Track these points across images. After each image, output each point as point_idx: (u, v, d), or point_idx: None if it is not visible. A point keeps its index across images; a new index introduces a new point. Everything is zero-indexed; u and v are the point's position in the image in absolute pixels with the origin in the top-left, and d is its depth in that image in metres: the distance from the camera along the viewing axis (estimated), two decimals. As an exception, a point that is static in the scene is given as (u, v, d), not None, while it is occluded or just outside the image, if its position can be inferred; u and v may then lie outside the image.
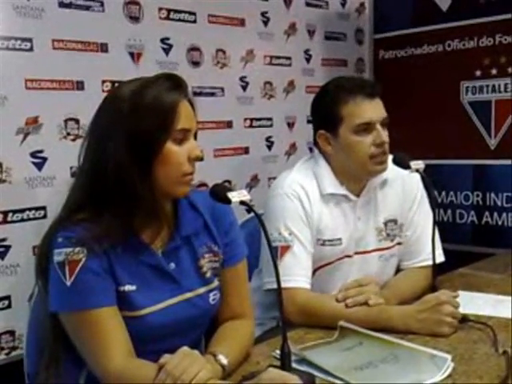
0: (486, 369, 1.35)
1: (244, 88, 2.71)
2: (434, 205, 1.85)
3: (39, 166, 2.06)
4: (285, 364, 1.26)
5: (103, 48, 2.21)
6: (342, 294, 1.69)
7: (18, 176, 2.01)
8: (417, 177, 1.84)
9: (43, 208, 2.07)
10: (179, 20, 2.46)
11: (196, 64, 2.53)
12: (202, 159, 1.41)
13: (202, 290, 1.45)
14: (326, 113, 1.86)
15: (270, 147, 2.84)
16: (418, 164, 1.79)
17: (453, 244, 2.62)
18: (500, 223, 2.87)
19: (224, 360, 1.32)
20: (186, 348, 1.23)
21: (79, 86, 2.15)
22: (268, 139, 2.83)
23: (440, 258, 1.92)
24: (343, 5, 3.18)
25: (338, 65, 3.14)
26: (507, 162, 2.80)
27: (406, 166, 1.79)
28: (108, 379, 1.28)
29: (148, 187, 1.33)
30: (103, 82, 2.20)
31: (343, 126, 1.81)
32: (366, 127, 1.80)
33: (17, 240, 2.01)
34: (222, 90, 2.62)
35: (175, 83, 1.37)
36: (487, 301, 1.81)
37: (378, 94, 1.84)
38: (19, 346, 2.01)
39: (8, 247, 2.00)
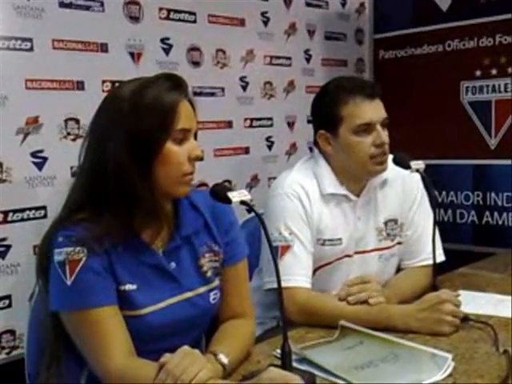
0: (487, 368, 1.35)
1: (244, 88, 2.71)
2: (435, 205, 1.85)
3: (39, 166, 2.06)
4: (285, 363, 1.26)
5: (103, 48, 2.21)
6: (345, 291, 1.69)
7: (18, 176, 2.01)
8: (417, 177, 1.84)
9: (43, 208, 2.07)
10: (179, 20, 2.46)
11: (196, 64, 2.53)
12: (202, 159, 1.41)
13: (202, 290, 1.45)
14: (326, 113, 1.86)
15: (270, 147, 2.84)
16: (419, 164, 1.79)
17: (453, 244, 2.62)
18: (500, 223, 2.87)
19: (224, 359, 1.32)
20: (186, 347, 1.22)
21: (79, 85, 2.15)
22: (268, 139, 2.83)
23: (440, 257, 1.92)
24: (343, 5, 3.18)
25: (338, 65, 3.14)
26: (507, 161, 2.80)
27: (407, 166, 1.79)
28: (109, 379, 1.28)
29: (148, 187, 1.33)
30: (103, 81, 2.20)
31: (343, 126, 1.81)
32: (366, 128, 1.80)
33: (17, 240, 2.02)
34: (222, 89, 2.62)
35: (175, 83, 1.37)
36: (488, 300, 1.81)
37: (378, 94, 1.84)
38: (20, 346, 2.01)
39: (8, 247, 2.00)
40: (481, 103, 2.90)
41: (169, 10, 2.42)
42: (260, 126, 2.79)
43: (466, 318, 1.59)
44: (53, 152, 2.08)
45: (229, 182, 2.62)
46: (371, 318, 1.61)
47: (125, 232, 1.35)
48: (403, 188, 1.94)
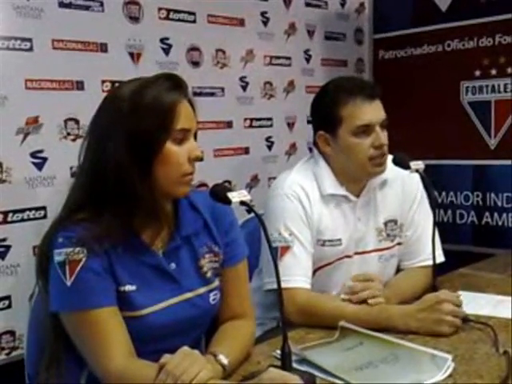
0: (487, 369, 1.35)
1: (244, 88, 2.71)
2: (434, 205, 1.85)
3: (39, 166, 2.06)
4: (285, 364, 1.26)
5: (103, 48, 2.21)
6: (348, 288, 1.69)
7: (18, 176, 2.01)
8: (417, 177, 1.83)
9: (43, 208, 2.07)
10: (179, 20, 2.46)
11: (196, 64, 2.53)
12: (201, 159, 1.41)
13: (202, 290, 1.45)
14: (325, 114, 1.86)
15: (270, 147, 2.84)
16: (418, 164, 1.79)
17: (453, 244, 2.62)
18: (500, 223, 2.87)
19: (224, 360, 1.32)
20: (186, 348, 1.22)
21: (79, 85, 2.15)
22: (268, 139, 2.83)
23: (440, 258, 1.92)
24: (343, 5, 3.18)
25: (338, 65, 3.14)
26: (507, 162, 2.80)
27: (406, 167, 1.79)
28: (108, 379, 1.28)
29: (148, 187, 1.33)
30: (103, 82, 2.20)
31: (342, 127, 1.81)
32: (365, 129, 1.80)
33: (17, 240, 2.01)
34: (222, 90, 2.62)
35: (175, 83, 1.36)
36: (487, 301, 1.81)
37: (378, 95, 1.84)
38: (19, 346, 2.01)
39: (8, 247, 2.00)
40: (480, 103, 2.90)
41: (168, 10, 2.42)
42: (260, 126, 2.79)
43: (465, 319, 1.59)
44: (53, 152, 2.08)
45: (229, 182, 2.62)
46: (371, 318, 1.61)
47: (125, 232, 1.35)
48: (403, 188, 1.94)
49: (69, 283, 1.29)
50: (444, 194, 3.01)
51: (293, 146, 2.93)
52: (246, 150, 2.73)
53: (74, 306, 1.31)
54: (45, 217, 2.05)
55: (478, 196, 2.93)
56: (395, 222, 1.93)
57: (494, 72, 2.85)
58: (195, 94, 2.42)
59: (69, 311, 1.33)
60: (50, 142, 2.08)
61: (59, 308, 1.34)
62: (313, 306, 1.72)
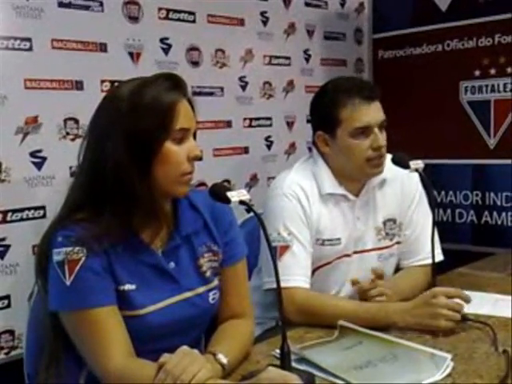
0: (486, 368, 1.35)
1: (243, 88, 2.71)
2: (434, 204, 1.85)
3: (39, 166, 2.06)
4: (284, 363, 1.26)
5: (102, 48, 2.21)
6: (358, 286, 1.71)
7: (17, 175, 2.01)
8: (416, 176, 1.84)
9: (42, 207, 2.07)
10: (178, 20, 2.46)
11: (195, 64, 2.53)
12: (201, 159, 1.42)
13: (201, 290, 1.45)
14: (324, 114, 1.86)
15: (269, 147, 2.84)
16: (418, 164, 1.79)
17: (452, 243, 2.63)
18: (499, 223, 2.87)
19: (224, 359, 1.32)
20: (185, 347, 1.22)
21: (78, 85, 2.15)
22: (267, 139, 2.83)
23: (439, 257, 1.92)
24: (342, 5, 3.18)
25: (338, 65, 3.14)
26: (506, 161, 2.80)
27: (406, 166, 1.79)
28: (108, 379, 1.28)
29: (147, 187, 1.33)
30: (102, 81, 2.20)
31: (341, 128, 1.81)
32: (364, 131, 1.79)
33: (16, 239, 2.02)
34: (222, 89, 2.62)
35: (174, 83, 1.37)
36: (487, 300, 1.81)
37: (377, 96, 1.83)
38: (19, 346, 2.01)
39: (7, 247, 2.00)
40: (480, 103, 2.90)
41: (168, 10, 2.42)
42: (259, 126, 2.79)
43: (465, 318, 1.59)
44: (52, 152, 2.08)
45: (228, 181, 2.62)
46: (370, 316, 1.61)
47: (124, 232, 1.35)
48: (402, 188, 1.94)
49: (68, 282, 1.29)
50: (443, 193, 3.01)
51: (292, 146, 2.93)
52: (246, 150, 2.73)
53: (73, 306, 1.31)
54: (44, 216, 2.05)
55: (477, 195, 2.93)
56: (394, 221, 1.93)
57: (493, 72, 2.85)
58: (195, 93, 2.42)
59: (68, 310, 1.33)
60: (49, 141, 2.08)
61: (58, 307, 1.34)
62: (312, 305, 1.72)
